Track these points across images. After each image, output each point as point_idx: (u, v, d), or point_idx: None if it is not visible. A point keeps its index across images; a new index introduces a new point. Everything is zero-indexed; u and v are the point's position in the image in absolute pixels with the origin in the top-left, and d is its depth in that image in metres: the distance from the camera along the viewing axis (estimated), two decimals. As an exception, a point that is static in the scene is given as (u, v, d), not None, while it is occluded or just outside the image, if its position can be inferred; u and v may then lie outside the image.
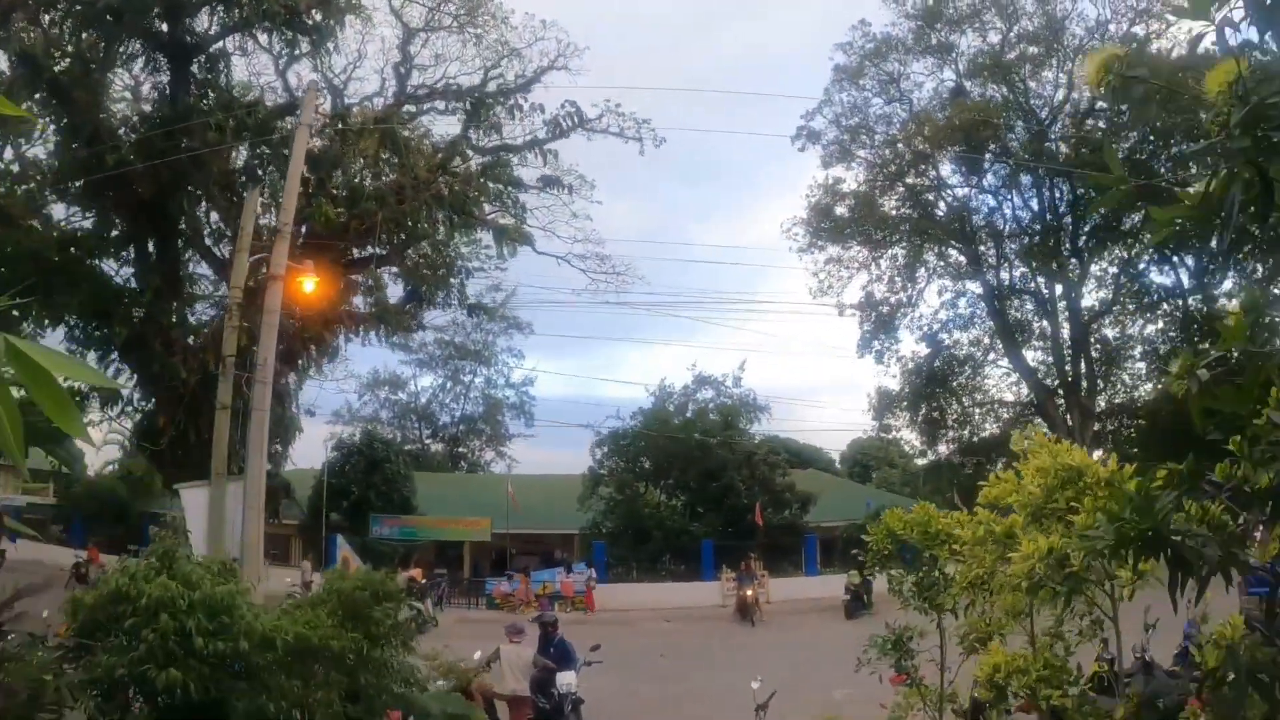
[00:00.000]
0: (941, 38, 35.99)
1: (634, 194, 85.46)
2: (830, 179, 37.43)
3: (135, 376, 27.86)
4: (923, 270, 39.06)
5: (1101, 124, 34.65)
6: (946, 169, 37.53)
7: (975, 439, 39.45)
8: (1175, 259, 35.37)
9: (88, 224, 28.22)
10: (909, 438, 44.89)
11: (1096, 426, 35.68)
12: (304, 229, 25.44)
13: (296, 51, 27.73)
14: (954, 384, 39.77)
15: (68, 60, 25.42)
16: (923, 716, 7.27)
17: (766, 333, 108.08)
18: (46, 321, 26.08)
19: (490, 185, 30.24)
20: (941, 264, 39.25)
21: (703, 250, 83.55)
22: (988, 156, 35.25)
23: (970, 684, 7.01)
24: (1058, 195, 36.67)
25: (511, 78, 30.17)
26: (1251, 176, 2.18)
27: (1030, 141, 35.37)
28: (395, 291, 31.66)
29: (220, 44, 27.43)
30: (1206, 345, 3.09)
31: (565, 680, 11.85)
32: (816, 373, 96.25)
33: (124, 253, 28.61)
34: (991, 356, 39.77)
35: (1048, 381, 37.53)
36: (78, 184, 25.70)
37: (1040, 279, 37.41)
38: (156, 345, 25.95)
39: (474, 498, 40.48)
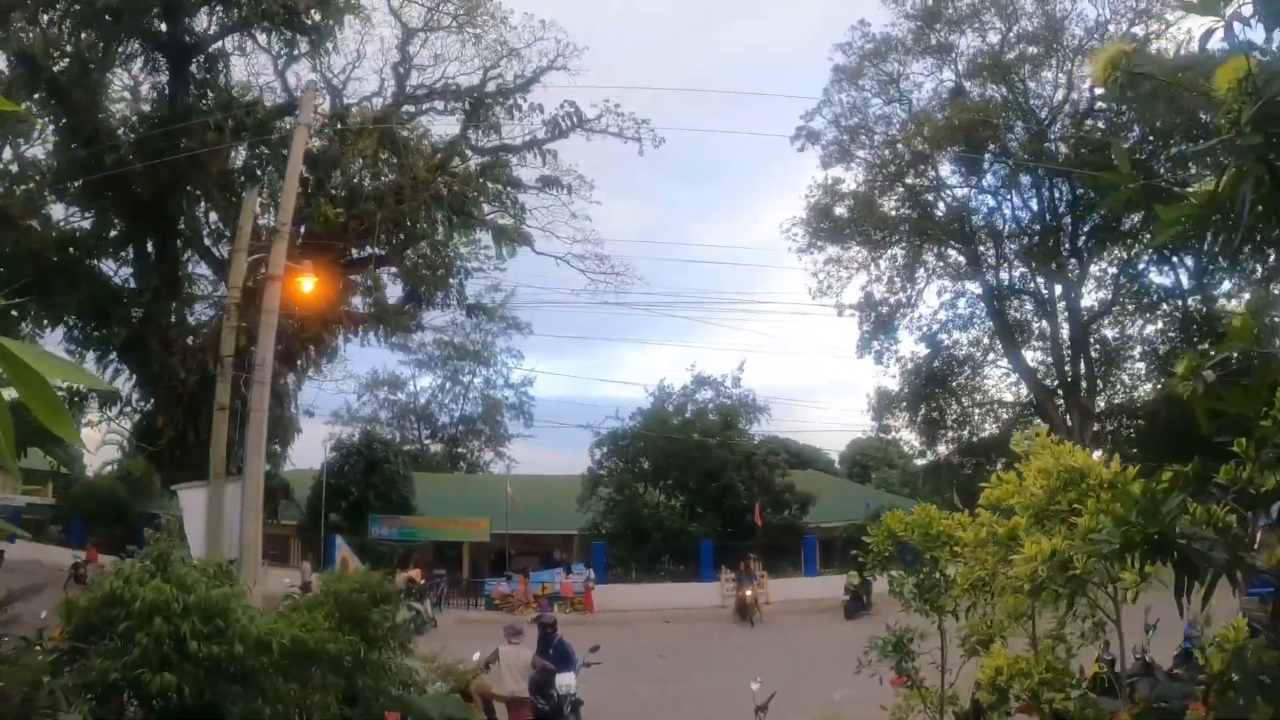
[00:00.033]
0: (941, 38, 35.97)
1: (633, 194, 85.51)
2: (829, 179, 37.47)
3: (134, 377, 27.81)
4: (922, 270, 39.09)
5: (1101, 124, 34.64)
6: (946, 169, 37.59)
7: (974, 439, 39.44)
8: (1175, 259, 35.40)
9: (86, 224, 28.17)
10: (908, 438, 44.93)
11: (1096, 427, 35.66)
12: (303, 229, 25.39)
13: (295, 51, 27.69)
14: (953, 384, 39.75)
15: (66, 60, 25.37)
16: (923, 718, 7.24)
17: (766, 333, 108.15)
18: (45, 322, 26.03)
19: (489, 185, 30.20)
20: (941, 264, 39.28)
21: (702, 250, 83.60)
22: (987, 157, 35.24)
23: (971, 686, 6.98)
24: (1057, 195, 36.67)
25: (511, 78, 30.14)
26: (1262, 174, 2.15)
27: (1030, 142, 35.35)
28: (394, 292, 31.64)
29: (219, 44, 27.38)
30: (1206, 346, 3.06)
31: (564, 681, 11.83)
32: (816, 373, 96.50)
33: (123, 253, 28.55)
34: (991, 357, 39.80)
35: (1047, 382, 37.51)
36: (76, 184, 25.64)
37: (1040, 279, 37.42)
38: (155, 345, 25.89)
39: (473, 498, 40.44)
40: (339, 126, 26.98)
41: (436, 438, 63.92)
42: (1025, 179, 36.37)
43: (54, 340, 26.30)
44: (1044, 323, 37.95)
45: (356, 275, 29.58)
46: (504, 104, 29.98)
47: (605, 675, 13.49)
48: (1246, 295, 29.37)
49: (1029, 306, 38.82)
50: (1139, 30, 31.92)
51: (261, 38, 27.31)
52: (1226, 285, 34.44)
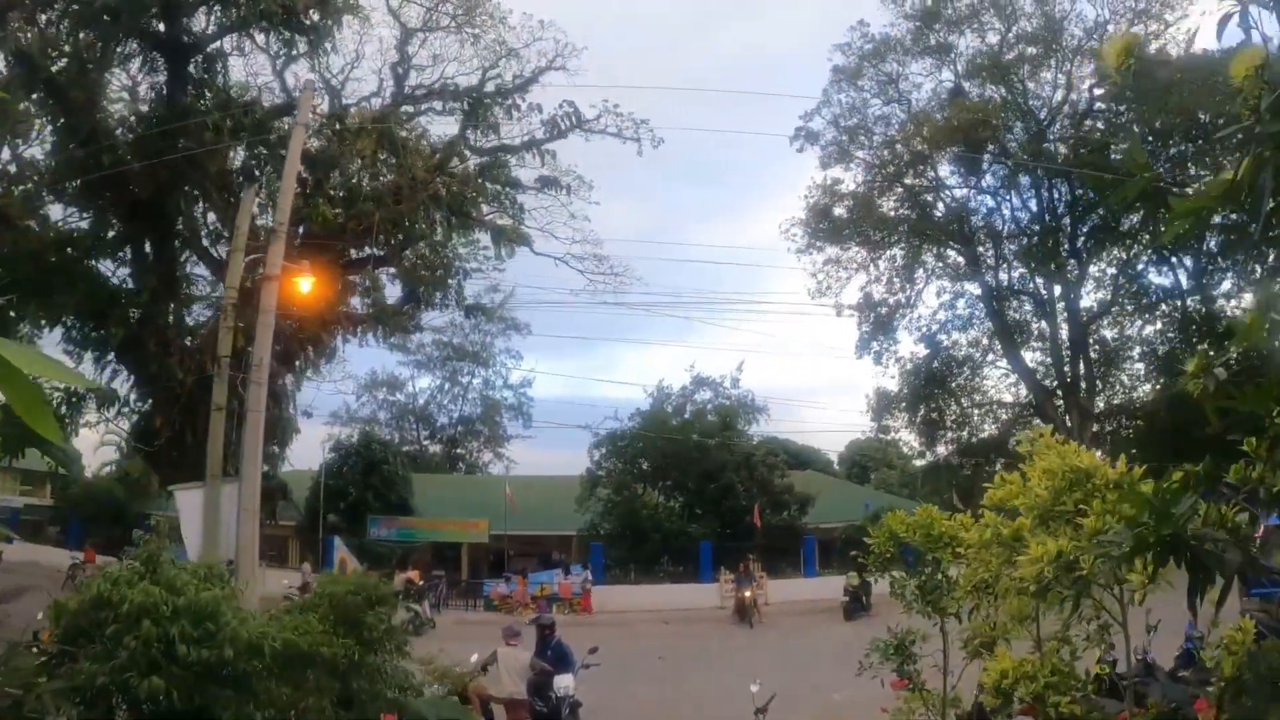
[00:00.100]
0: (940, 38, 35.93)
1: (632, 194, 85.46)
2: (828, 180, 37.39)
3: (132, 377, 27.78)
4: (921, 271, 39.03)
5: (1100, 125, 34.60)
6: (945, 170, 37.53)
7: (974, 440, 39.39)
8: (1174, 260, 35.37)
9: (84, 224, 28.14)
10: (908, 439, 44.84)
11: (1095, 428, 35.61)
12: (301, 229, 25.35)
13: (294, 52, 27.66)
14: (953, 385, 39.69)
15: (65, 60, 25.32)
16: (925, 721, 7.17)
17: (765, 333, 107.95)
18: (44, 322, 25.97)
19: (488, 186, 30.18)
20: (940, 265, 39.22)
21: (701, 250, 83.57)
22: (986, 157, 35.19)
23: (973, 689, 6.91)
24: (1056, 196, 36.63)
25: (509, 78, 30.12)
26: (1281, 162, 2.08)
27: (1029, 142, 35.31)
28: (393, 292, 31.63)
29: (217, 44, 27.35)
30: (1206, 346, 3.00)
31: (563, 683, 11.76)
32: (815, 373, 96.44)
33: (121, 253, 28.52)
34: (990, 357, 39.74)
35: (1046, 382, 37.47)
36: (74, 184, 25.60)
37: (1039, 280, 37.38)
38: (153, 346, 25.84)
39: (472, 499, 40.36)
40: (337, 127, 26.95)
41: (435, 438, 63.84)
42: (1024, 179, 36.34)
43: (52, 341, 26.27)
44: (1043, 323, 37.92)
45: (355, 276, 29.54)
46: (503, 104, 29.95)
47: (604, 677, 13.42)
48: (1247, 295, 29.31)
49: (1028, 307, 38.81)
50: (1139, 30, 31.86)
51: (260, 38, 27.31)
52: (1226, 285, 34.45)
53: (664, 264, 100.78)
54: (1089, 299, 37.75)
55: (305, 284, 17.87)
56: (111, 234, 28.05)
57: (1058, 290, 37.02)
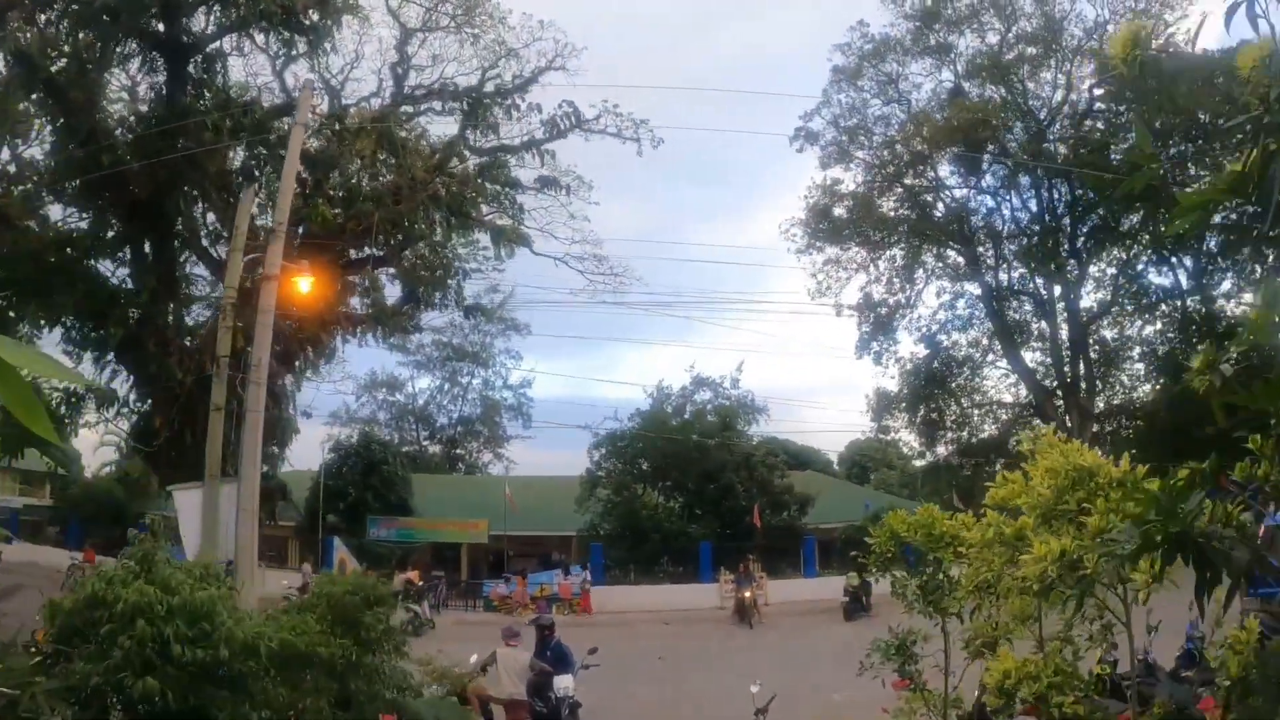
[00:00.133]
0: (940, 38, 35.90)
1: (632, 194, 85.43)
2: (828, 180, 37.36)
3: (131, 377, 27.72)
4: (921, 271, 39.00)
5: (1100, 125, 34.58)
6: (945, 170, 37.50)
7: (974, 440, 39.35)
8: (1174, 259, 35.35)
9: (84, 224, 28.09)
10: (907, 439, 44.80)
11: (1095, 428, 35.58)
12: (301, 230, 25.32)
13: (293, 52, 27.62)
14: (953, 385, 39.66)
15: (64, 60, 25.27)
16: (926, 721, 7.14)
17: (765, 333, 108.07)
18: (43, 322, 25.94)
19: (488, 186, 30.14)
20: (940, 265, 39.19)
21: (701, 250, 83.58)
22: (986, 157, 35.16)
23: (975, 689, 6.88)
24: (1056, 196, 36.60)
25: (509, 78, 30.08)
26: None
27: (1029, 142, 35.28)
28: (393, 292, 31.60)
29: (217, 44, 27.30)
30: (1207, 345, 2.96)
31: (562, 684, 11.75)
32: (815, 374, 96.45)
33: (120, 253, 28.47)
34: (990, 358, 39.70)
35: (1046, 382, 37.43)
36: (74, 184, 25.56)
37: (1039, 280, 37.34)
38: (152, 346, 25.79)
39: (471, 499, 40.33)
40: (337, 127, 26.90)
41: (435, 439, 63.80)
42: (1024, 179, 36.30)
43: (52, 341, 26.23)
44: (1043, 323, 37.89)
45: (354, 276, 29.51)
46: (502, 104, 29.91)
47: (603, 677, 13.40)
48: (1247, 295, 29.29)
49: (1028, 307, 38.77)
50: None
51: (259, 38, 27.26)
52: (1226, 285, 34.43)
53: (664, 264, 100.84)
54: (1089, 299, 37.78)
55: (304, 284, 17.85)
56: (111, 234, 28.00)
57: (1058, 290, 37.02)
